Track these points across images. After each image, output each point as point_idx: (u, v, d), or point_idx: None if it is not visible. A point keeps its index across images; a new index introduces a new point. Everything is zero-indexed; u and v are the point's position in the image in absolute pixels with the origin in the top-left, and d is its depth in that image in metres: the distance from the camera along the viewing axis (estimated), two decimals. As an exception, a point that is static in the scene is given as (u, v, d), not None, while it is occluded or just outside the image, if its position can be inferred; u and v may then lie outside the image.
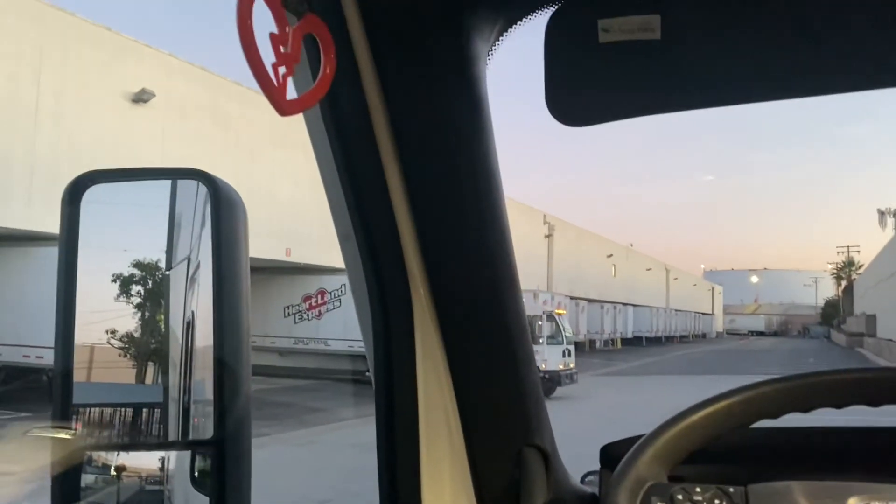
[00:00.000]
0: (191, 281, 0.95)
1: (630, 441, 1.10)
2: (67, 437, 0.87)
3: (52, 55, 18.21)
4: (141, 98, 20.29)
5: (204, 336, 0.90)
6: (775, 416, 1.01)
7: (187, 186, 0.96)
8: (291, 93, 0.89)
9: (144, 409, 0.95)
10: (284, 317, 26.72)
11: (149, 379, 0.95)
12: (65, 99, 18.54)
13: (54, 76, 18.25)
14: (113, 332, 0.92)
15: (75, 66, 18.70)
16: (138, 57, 20.55)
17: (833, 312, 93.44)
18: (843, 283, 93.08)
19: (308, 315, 26.64)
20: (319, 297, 26.37)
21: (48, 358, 17.47)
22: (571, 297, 39.34)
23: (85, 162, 17.80)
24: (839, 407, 0.99)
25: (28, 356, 18.22)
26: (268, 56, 0.85)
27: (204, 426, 0.91)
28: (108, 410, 0.94)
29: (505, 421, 1.24)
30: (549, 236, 44.74)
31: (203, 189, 0.93)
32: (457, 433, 1.22)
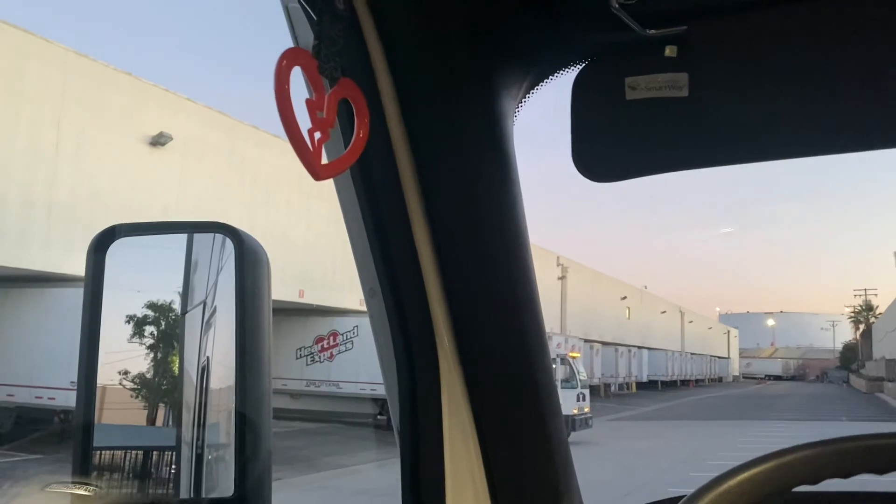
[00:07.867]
0: (206, 326, 0.94)
1: (664, 503, 1.06)
2: (87, 493, 0.85)
3: (73, 99, 18.56)
4: (159, 141, 20.60)
5: (219, 380, 0.89)
6: (814, 482, 0.97)
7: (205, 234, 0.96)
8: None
9: (166, 460, 0.93)
10: (296, 359, 26.54)
11: (168, 425, 0.93)
12: (84, 142, 18.84)
13: (75, 120, 18.58)
14: (126, 373, 0.91)
15: (95, 109, 19.05)
16: (157, 101, 20.92)
17: (852, 356, 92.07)
18: (862, 326, 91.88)
19: (320, 357, 26.48)
20: (332, 338, 26.26)
21: (60, 399, 17.43)
22: (585, 340, 39.00)
23: (102, 202, 18.03)
24: (881, 473, 0.95)
25: (41, 397, 18.16)
26: (302, 120, 0.86)
27: (221, 478, 0.90)
28: (128, 464, 0.93)
29: (533, 484, 1.22)
30: (562, 278, 44.55)
31: (219, 235, 0.93)
32: (483, 497, 1.19)
